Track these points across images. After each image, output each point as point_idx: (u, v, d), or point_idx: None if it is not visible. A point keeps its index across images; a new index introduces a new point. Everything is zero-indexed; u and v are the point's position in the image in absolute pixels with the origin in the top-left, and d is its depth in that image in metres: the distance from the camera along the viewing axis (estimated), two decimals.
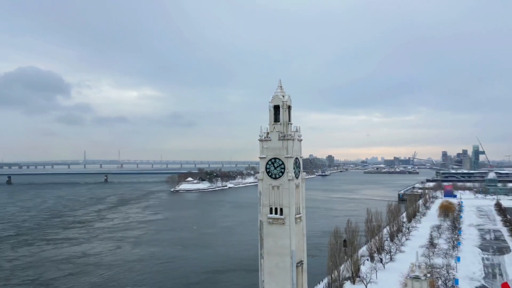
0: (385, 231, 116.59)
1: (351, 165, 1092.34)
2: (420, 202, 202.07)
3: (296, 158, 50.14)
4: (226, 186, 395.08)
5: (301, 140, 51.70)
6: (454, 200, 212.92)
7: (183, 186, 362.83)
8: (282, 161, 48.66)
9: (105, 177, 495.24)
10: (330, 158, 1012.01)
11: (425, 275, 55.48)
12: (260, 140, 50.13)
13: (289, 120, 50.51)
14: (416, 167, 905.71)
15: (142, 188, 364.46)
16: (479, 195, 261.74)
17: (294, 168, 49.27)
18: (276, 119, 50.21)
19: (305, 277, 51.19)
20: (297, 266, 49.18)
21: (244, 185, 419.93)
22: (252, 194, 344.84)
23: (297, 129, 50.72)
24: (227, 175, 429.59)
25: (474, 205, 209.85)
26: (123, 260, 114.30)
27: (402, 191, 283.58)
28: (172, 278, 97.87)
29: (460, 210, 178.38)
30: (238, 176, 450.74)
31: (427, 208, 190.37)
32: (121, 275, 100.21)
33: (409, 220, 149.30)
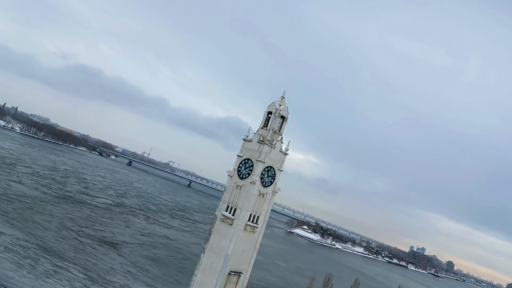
0: None
1: (472, 279, 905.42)
2: None
3: (271, 167, 39.83)
4: (334, 245, 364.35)
5: (286, 154, 41.07)
6: None
7: (298, 230, 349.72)
8: (253, 163, 39.13)
9: None
10: (449, 263, 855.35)
11: None
12: (244, 140, 41.53)
13: (280, 130, 40.84)
14: None
15: (268, 222, 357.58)
16: None
17: (263, 176, 39.19)
18: (266, 124, 41.08)
19: None
20: (231, 274, 37.90)
21: (351, 251, 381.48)
22: (356, 260, 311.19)
23: (281, 139, 40.64)
24: (339, 237, 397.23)
25: None
26: (188, 253, 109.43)
27: None
28: None
29: None
30: (349, 242, 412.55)
31: None
32: (174, 263, 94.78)
33: None
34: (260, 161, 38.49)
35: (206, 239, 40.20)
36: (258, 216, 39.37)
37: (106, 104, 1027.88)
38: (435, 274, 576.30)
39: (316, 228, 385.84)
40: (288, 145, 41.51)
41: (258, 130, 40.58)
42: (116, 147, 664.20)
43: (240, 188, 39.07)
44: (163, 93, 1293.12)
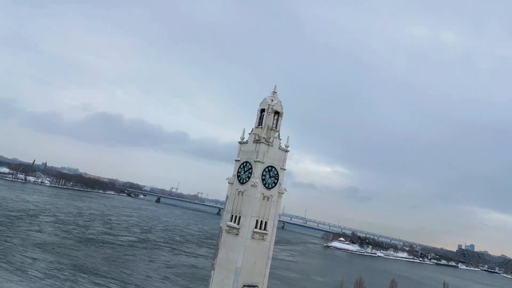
0: None
1: None
2: None
3: (273, 167, 37.30)
4: (375, 254, 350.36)
5: (287, 151, 38.45)
6: None
7: (335, 243, 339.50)
8: (251, 165, 36.68)
9: (283, 225, 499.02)
10: (503, 258, 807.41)
11: None
12: (240, 143, 39.36)
13: (276, 126, 38.55)
14: None
15: (303, 239, 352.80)
16: None
17: (265, 177, 36.64)
18: (260, 123, 38.85)
19: None
20: None
21: (394, 258, 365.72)
22: (401, 266, 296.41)
23: (278, 136, 38.11)
24: (379, 244, 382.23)
25: None
26: None
27: None
28: None
29: None
30: (391, 248, 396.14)
31: None
32: None
33: None
34: (259, 161, 36.02)
35: (214, 255, 37.61)
36: (266, 222, 36.50)
37: (129, 147, 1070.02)
38: (490, 270, 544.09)
39: (354, 238, 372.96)
40: (287, 141, 38.98)
41: (252, 130, 38.33)
42: (144, 186, 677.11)
43: (242, 194, 36.60)
44: (182, 127, 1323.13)
